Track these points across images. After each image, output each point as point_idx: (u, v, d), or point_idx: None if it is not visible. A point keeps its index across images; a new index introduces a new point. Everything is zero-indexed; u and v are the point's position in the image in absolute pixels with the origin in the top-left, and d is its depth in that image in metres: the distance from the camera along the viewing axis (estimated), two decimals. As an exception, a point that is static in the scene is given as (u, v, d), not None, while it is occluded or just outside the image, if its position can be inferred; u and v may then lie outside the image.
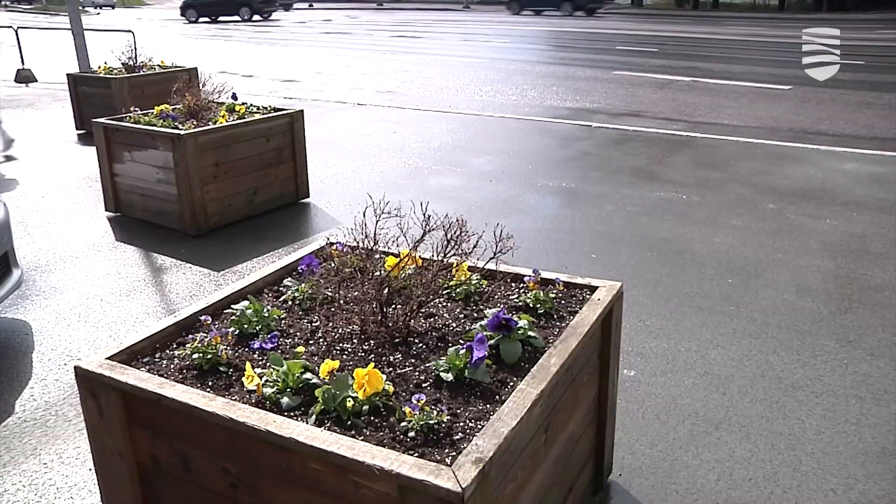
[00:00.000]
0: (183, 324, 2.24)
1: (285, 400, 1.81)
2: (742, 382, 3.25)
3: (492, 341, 2.02)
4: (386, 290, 2.17)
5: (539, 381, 1.85)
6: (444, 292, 2.42)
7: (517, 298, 2.40)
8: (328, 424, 1.72)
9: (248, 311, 2.23)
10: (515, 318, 2.07)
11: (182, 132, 5.04)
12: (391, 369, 1.97)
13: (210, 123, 5.44)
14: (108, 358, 2.01)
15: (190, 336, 2.10)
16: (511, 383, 1.90)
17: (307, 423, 1.72)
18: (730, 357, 3.47)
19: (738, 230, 5.17)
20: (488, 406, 1.80)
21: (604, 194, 6.07)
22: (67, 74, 8.72)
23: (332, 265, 2.32)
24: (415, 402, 1.71)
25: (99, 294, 4.29)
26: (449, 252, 2.22)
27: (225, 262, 4.75)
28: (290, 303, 2.41)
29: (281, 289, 2.53)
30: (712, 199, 5.90)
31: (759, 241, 4.96)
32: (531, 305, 2.32)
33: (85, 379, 1.98)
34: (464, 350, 1.94)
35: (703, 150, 7.60)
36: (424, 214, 2.18)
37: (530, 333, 2.07)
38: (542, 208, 5.79)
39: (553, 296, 2.37)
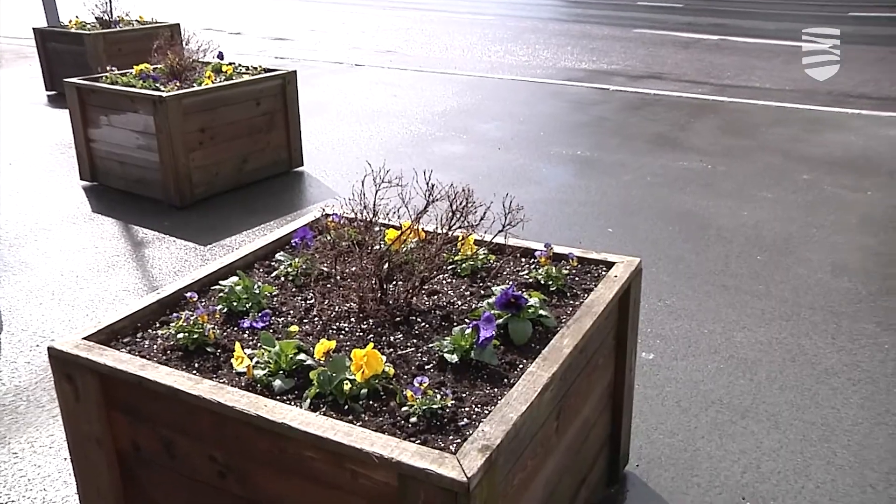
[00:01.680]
0: (166, 301, 2.24)
1: (277, 383, 1.82)
2: (771, 368, 3.26)
3: (500, 320, 2.03)
4: (386, 266, 2.17)
5: (550, 363, 1.86)
6: (449, 268, 2.42)
7: (527, 275, 2.40)
8: (324, 409, 1.73)
9: (238, 288, 2.23)
10: (525, 296, 2.07)
11: (164, 94, 5.03)
12: (391, 350, 1.98)
13: (194, 85, 5.42)
14: (84, 338, 2.02)
15: (174, 314, 2.11)
16: (520, 366, 1.91)
17: (301, 407, 1.73)
18: (757, 340, 3.48)
19: (768, 203, 5.15)
20: (496, 390, 1.81)
21: (621, 163, 6.05)
22: (34, 29, 8.64)
23: (328, 238, 2.32)
24: (417, 385, 1.72)
25: (74, 270, 4.30)
26: (454, 224, 2.22)
27: (212, 235, 4.76)
28: (282, 279, 2.42)
29: (273, 263, 2.53)
30: (740, 168, 5.87)
31: (792, 214, 4.95)
32: (542, 282, 2.32)
33: (59, 361, 1.99)
34: (470, 329, 1.94)
35: (730, 115, 7.56)
36: (428, 184, 2.17)
37: (541, 312, 2.07)
38: (554, 178, 5.77)
39: (566, 272, 2.37)
